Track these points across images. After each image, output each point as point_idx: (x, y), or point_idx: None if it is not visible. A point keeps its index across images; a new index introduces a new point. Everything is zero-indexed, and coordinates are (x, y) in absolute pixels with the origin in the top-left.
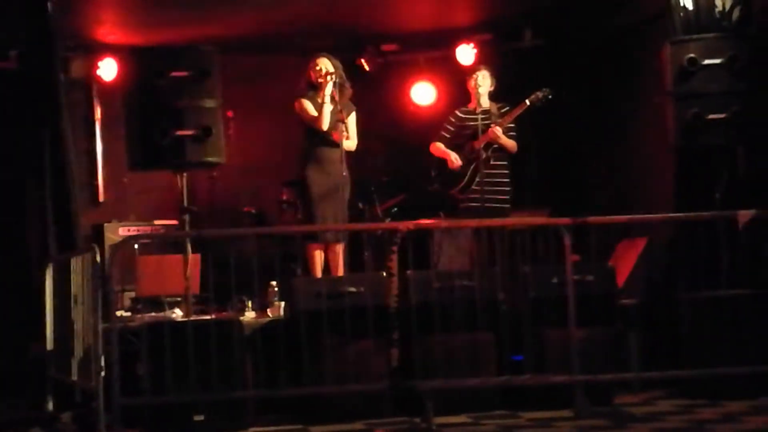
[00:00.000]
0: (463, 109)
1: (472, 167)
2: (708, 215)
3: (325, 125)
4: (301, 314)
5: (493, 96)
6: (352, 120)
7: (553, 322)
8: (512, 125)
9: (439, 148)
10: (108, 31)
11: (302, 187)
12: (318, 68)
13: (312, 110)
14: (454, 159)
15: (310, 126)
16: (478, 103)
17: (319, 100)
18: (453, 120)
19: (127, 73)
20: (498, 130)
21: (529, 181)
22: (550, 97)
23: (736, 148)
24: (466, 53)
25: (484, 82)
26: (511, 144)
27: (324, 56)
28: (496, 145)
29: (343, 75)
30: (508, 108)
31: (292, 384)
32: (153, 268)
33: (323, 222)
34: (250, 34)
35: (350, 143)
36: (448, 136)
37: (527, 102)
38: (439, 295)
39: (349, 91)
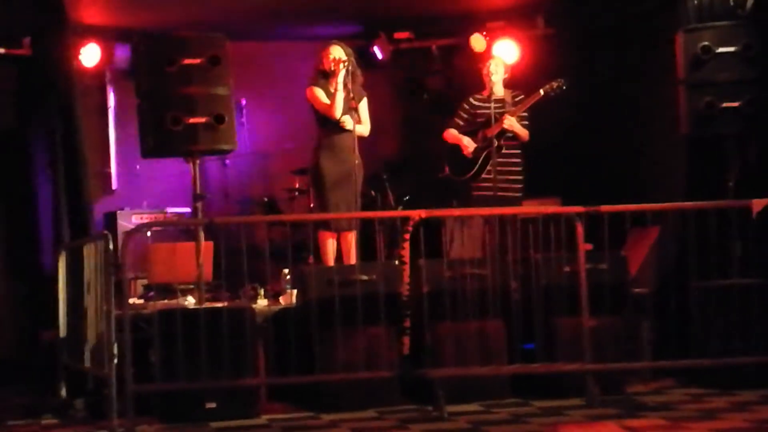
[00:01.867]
0: (477, 96)
1: (483, 155)
2: (720, 204)
3: (338, 113)
4: (313, 302)
5: (507, 84)
6: (363, 106)
7: (565, 311)
8: (525, 114)
9: (452, 134)
10: (120, 17)
11: (315, 174)
12: (331, 57)
13: (324, 98)
14: (467, 143)
15: (323, 114)
16: (492, 91)
17: (331, 89)
18: (466, 107)
19: (139, 61)
20: (511, 119)
21: (540, 169)
22: (564, 87)
23: (749, 137)
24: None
25: (497, 70)
26: (524, 132)
27: (336, 44)
28: (509, 134)
29: (355, 62)
30: (522, 96)
31: (303, 371)
32: (165, 256)
33: (336, 210)
34: (262, 20)
35: (363, 129)
36: (461, 123)
37: (541, 91)
38: (450, 284)
39: (360, 78)
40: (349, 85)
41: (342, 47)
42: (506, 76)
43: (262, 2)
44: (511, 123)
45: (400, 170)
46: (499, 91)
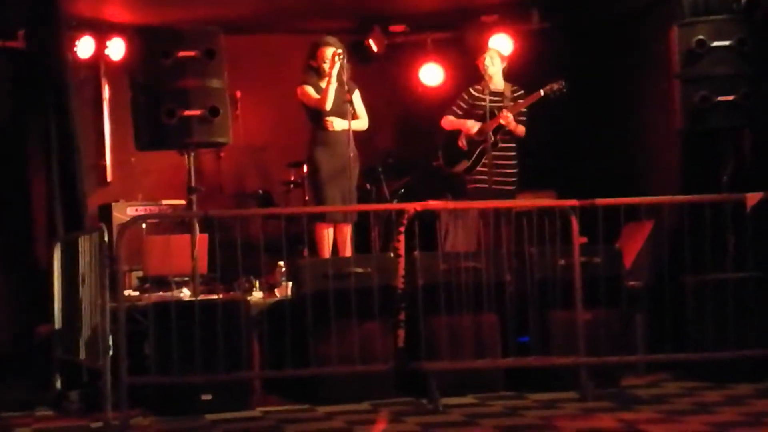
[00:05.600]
0: (477, 87)
1: (479, 149)
2: (715, 198)
3: (328, 105)
4: (308, 295)
5: (508, 77)
6: (357, 99)
7: (559, 304)
8: (524, 110)
9: (450, 120)
10: (115, 10)
11: (310, 168)
12: (327, 55)
13: (314, 94)
14: (471, 125)
15: (314, 108)
16: (489, 84)
17: (322, 83)
18: (466, 97)
19: (134, 54)
20: (509, 116)
21: (534, 163)
22: (564, 90)
23: (744, 131)
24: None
25: (493, 62)
26: (520, 129)
27: (329, 40)
28: (506, 129)
29: (345, 55)
30: (522, 92)
31: (298, 364)
32: (160, 248)
33: (332, 203)
34: (258, 14)
35: (361, 123)
36: (459, 112)
37: (542, 92)
38: (445, 277)
39: (350, 70)
40: (344, 77)
41: (334, 40)
42: (504, 65)
43: None
44: (508, 120)
45: (395, 163)
46: (498, 83)
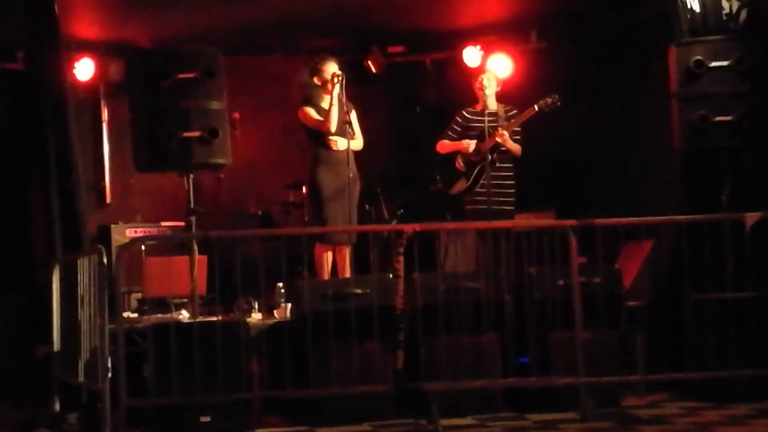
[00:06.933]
0: (470, 109)
1: (477, 169)
2: (714, 217)
3: (333, 127)
4: (307, 316)
5: (500, 97)
6: (353, 118)
7: (559, 324)
8: (518, 129)
9: (446, 144)
10: (114, 30)
11: (312, 188)
12: (330, 71)
13: (315, 115)
14: (467, 145)
15: (317, 130)
16: (485, 105)
17: (323, 104)
18: (459, 120)
19: (133, 75)
20: (505, 134)
21: (534, 183)
22: (558, 103)
23: (742, 150)
24: (472, 55)
25: (489, 84)
26: (516, 148)
27: (330, 59)
28: (502, 148)
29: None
30: (515, 111)
31: (297, 385)
32: (159, 270)
33: (335, 223)
34: (256, 34)
35: (357, 143)
36: (454, 135)
37: (536, 107)
38: (444, 297)
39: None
40: (343, 99)
41: (335, 61)
42: (498, 89)
43: (255, 16)
44: (504, 137)
45: (394, 184)
46: (492, 104)
